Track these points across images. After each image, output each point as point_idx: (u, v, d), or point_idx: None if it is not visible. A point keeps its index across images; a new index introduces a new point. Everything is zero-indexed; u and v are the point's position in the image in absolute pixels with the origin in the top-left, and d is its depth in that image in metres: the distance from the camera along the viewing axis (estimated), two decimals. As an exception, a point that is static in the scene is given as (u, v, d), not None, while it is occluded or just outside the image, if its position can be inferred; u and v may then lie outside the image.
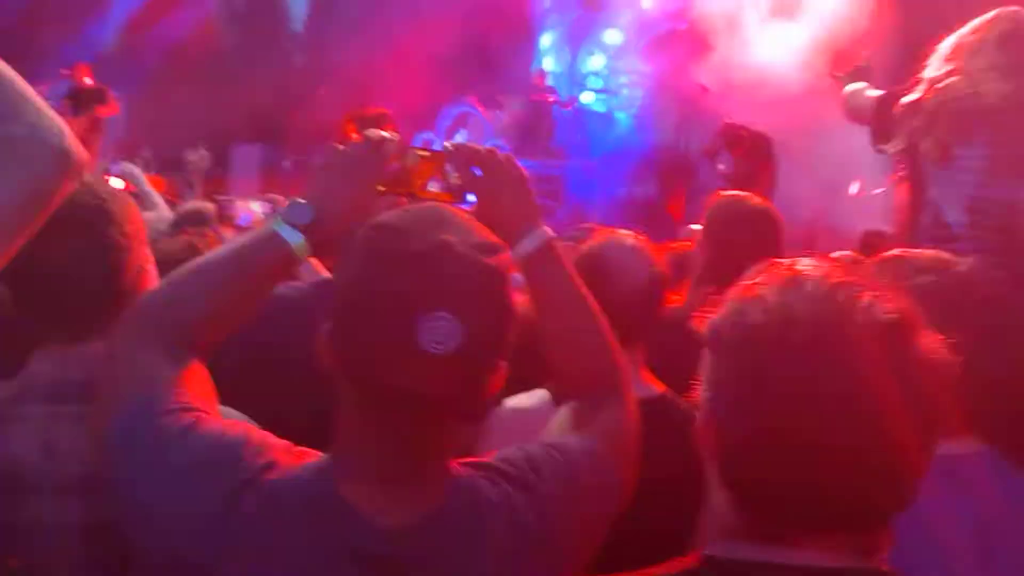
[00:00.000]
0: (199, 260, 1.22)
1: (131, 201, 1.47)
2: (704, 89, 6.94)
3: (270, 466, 1.03)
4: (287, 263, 1.21)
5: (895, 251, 1.47)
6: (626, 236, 1.93)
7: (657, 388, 1.85)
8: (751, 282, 0.93)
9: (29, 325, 1.39)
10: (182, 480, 1.02)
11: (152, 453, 1.03)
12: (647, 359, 1.88)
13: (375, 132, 1.27)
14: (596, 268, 1.77)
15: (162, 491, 1.02)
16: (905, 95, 2.70)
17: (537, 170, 8.49)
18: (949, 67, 2.58)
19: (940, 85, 2.57)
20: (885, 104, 2.77)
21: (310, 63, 10.68)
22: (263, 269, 1.20)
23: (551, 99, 10.62)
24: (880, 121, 2.79)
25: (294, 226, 1.18)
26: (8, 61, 1.21)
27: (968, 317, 1.00)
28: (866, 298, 0.88)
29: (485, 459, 1.14)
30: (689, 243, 3.09)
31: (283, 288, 1.86)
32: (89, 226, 1.36)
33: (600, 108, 11.08)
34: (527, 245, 1.27)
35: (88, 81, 9.00)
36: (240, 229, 4.30)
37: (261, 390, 1.56)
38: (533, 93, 10.53)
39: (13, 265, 1.20)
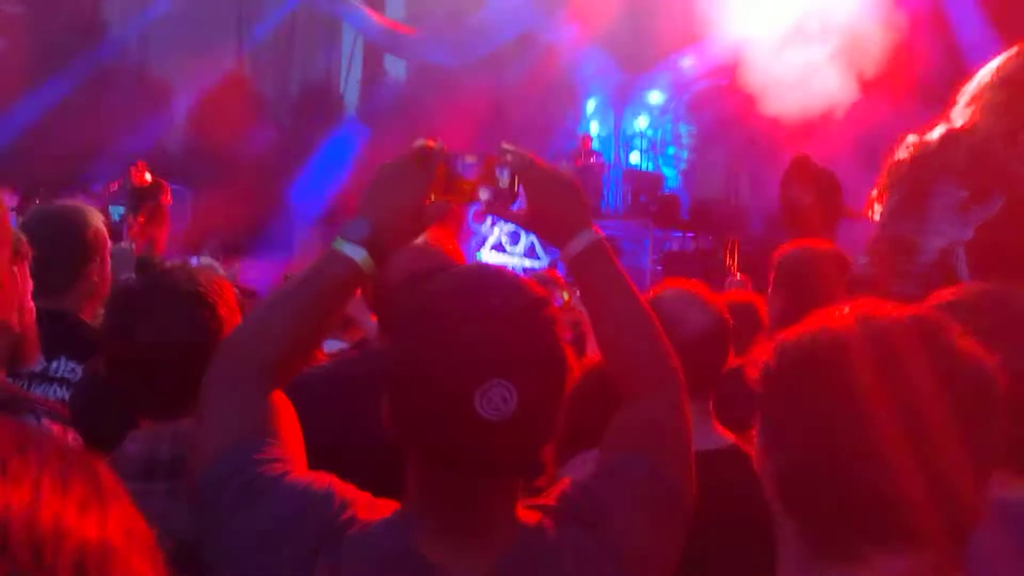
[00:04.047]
0: (271, 295, 1.24)
1: (227, 283, 1.52)
2: (766, 128, 6.97)
3: (351, 521, 1.06)
4: (355, 279, 1.23)
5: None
6: (686, 285, 1.94)
7: (728, 438, 1.84)
8: (811, 322, 0.96)
9: (123, 402, 1.45)
10: (267, 531, 1.05)
11: (240, 503, 1.06)
12: (717, 410, 1.88)
13: (420, 143, 1.29)
14: (658, 318, 1.78)
15: (247, 541, 1.05)
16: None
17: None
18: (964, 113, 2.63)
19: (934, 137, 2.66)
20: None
21: (366, 145, 10.99)
22: (335, 290, 1.22)
23: (597, 161, 10.74)
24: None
25: (354, 242, 1.21)
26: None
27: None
28: (930, 328, 0.91)
29: (547, 501, 1.16)
30: (740, 293, 3.08)
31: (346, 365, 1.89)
32: (187, 312, 1.42)
33: (648, 167, 11.16)
34: (576, 245, 1.28)
35: (148, 177, 9.36)
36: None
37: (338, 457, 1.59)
38: (579, 157, 10.67)
39: (113, 346, 1.24)
